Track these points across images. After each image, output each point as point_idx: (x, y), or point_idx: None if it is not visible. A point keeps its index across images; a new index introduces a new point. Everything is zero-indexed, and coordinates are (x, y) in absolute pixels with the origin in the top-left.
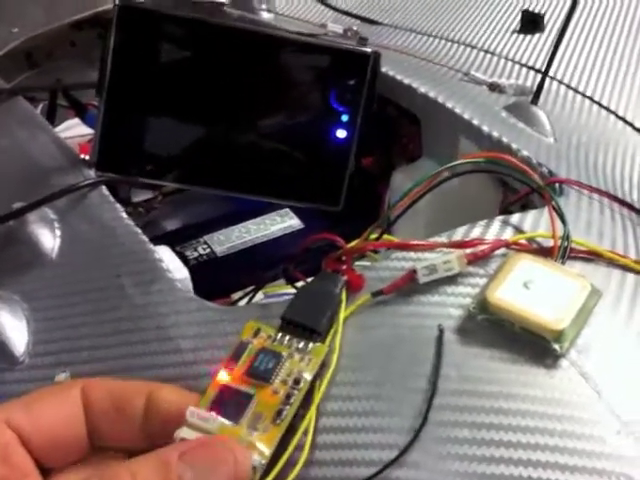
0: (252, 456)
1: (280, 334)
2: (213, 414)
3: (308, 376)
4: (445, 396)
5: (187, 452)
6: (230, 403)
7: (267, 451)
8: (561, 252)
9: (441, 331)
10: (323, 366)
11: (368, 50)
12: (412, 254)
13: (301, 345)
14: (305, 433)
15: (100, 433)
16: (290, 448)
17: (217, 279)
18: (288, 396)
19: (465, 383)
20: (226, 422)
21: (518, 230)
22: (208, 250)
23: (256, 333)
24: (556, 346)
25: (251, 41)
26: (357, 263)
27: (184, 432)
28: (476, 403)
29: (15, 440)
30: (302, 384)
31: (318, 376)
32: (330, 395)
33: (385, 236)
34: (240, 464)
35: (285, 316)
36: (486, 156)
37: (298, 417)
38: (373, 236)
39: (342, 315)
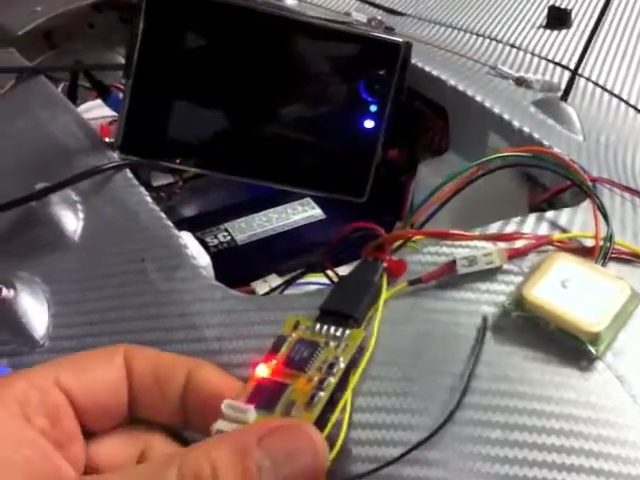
0: None
1: (318, 325)
2: (250, 406)
3: (342, 361)
4: (476, 395)
5: (265, 438)
6: (266, 395)
7: None
8: (602, 253)
9: (485, 320)
10: (361, 350)
11: (400, 40)
12: (449, 249)
13: (338, 333)
14: (342, 412)
15: (138, 404)
16: (327, 428)
17: (237, 267)
18: (321, 381)
19: (497, 382)
20: (261, 413)
21: (554, 227)
22: (229, 238)
23: (295, 326)
24: (592, 348)
25: (280, 26)
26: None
27: (220, 424)
28: (508, 403)
29: (65, 402)
30: (336, 369)
31: (354, 361)
32: (357, 390)
33: None
34: (320, 453)
35: (323, 307)
36: (529, 150)
37: (335, 400)
38: None
39: (382, 298)
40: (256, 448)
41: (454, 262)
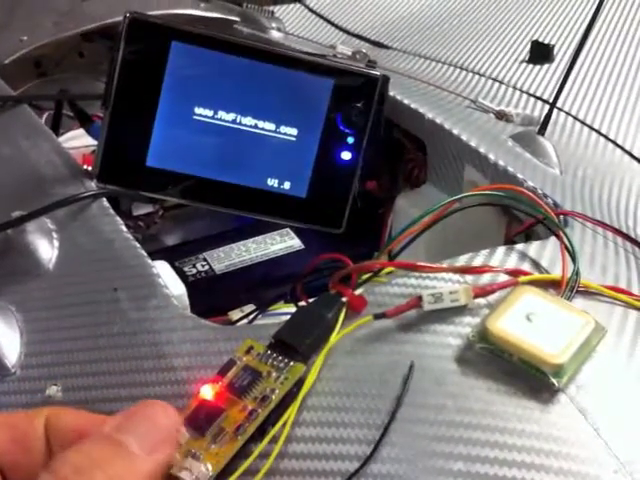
0: (201, 467)
1: (268, 352)
2: (183, 429)
3: (276, 394)
4: (440, 427)
5: (123, 423)
6: (203, 417)
7: (211, 467)
8: (569, 287)
9: (411, 367)
10: (301, 384)
11: (377, 73)
12: (417, 281)
13: (282, 365)
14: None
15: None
16: (249, 459)
17: (215, 297)
18: (251, 413)
19: (461, 414)
20: (194, 435)
21: (523, 259)
22: (207, 267)
23: (248, 351)
24: (554, 380)
25: (259, 58)
26: (359, 290)
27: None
28: (471, 435)
29: None
30: (267, 402)
31: (292, 395)
32: (322, 420)
33: None
34: (169, 409)
35: (275, 335)
36: (500, 188)
37: (265, 432)
38: None
39: (333, 337)
40: (118, 431)
41: (420, 298)
